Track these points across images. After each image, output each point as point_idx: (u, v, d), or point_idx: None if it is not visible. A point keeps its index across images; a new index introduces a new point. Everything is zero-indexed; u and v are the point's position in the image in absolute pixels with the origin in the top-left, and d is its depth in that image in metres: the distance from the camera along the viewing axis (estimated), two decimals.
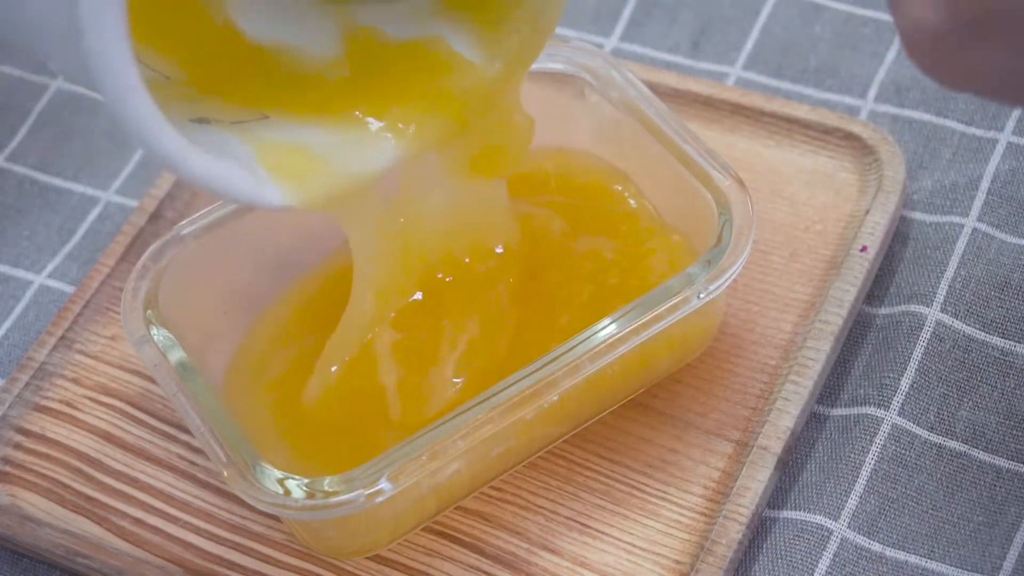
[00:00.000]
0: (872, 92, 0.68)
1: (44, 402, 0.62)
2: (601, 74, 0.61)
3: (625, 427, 0.59)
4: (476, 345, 0.57)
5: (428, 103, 0.53)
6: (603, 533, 0.57)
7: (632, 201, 0.61)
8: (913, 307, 0.61)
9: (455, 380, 0.57)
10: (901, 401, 0.59)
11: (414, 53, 0.54)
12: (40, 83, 0.74)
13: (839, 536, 0.56)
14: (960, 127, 0.66)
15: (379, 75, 0.54)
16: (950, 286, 0.61)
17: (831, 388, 0.60)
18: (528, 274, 0.59)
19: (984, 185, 0.64)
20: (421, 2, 0.54)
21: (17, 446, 0.61)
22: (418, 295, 0.57)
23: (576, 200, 0.61)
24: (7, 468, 0.60)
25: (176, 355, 0.55)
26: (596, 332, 0.54)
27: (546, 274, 0.59)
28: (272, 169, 0.50)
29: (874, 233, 0.62)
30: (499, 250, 0.58)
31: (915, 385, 0.59)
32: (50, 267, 0.68)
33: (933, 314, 0.60)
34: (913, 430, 0.58)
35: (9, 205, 0.70)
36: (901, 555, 0.56)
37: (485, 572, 0.57)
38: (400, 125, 0.53)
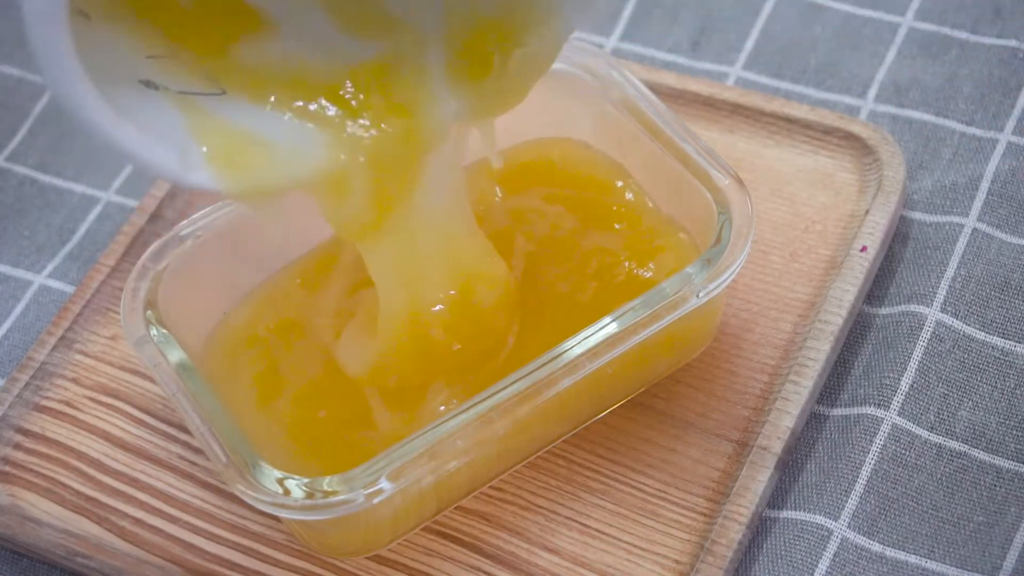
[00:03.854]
0: (872, 92, 0.68)
1: (44, 402, 0.62)
2: (601, 74, 0.61)
3: (625, 427, 0.59)
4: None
5: (391, 122, 0.52)
6: (603, 533, 0.57)
7: (634, 197, 0.61)
8: (913, 307, 0.61)
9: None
10: (901, 401, 0.59)
11: (390, 69, 0.53)
12: (40, 83, 0.74)
13: (839, 536, 0.56)
14: (960, 127, 0.66)
15: (351, 78, 0.53)
16: (950, 286, 0.61)
17: (831, 388, 0.60)
18: (535, 270, 0.59)
19: (984, 185, 0.64)
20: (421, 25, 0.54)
21: (17, 446, 0.61)
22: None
23: (581, 193, 0.61)
24: (7, 468, 0.60)
25: (176, 355, 0.55)
26: (595, 331, 0.54)
27: (553, 270, 0.59)
28: (209, 151, 0.49)
29: (874, 233, 0.62)
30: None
31: (915, 385, 0.59)
32: (50, 267, 0.68)
33: (933, 314, 0.60)
34: (913, 430, 0.58)
35: (9, 205, 0.70)
36: (901, 555, 0.56)
37: (485, 572, 0.57)
38: (359, 134, 0.52)
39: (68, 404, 0.62)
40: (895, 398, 0.59)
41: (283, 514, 0.52)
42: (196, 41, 0.51)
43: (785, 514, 0.57)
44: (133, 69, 0.49)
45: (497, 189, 0.62)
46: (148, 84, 0.49)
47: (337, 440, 0.57)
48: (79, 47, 0.45)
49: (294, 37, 0.52)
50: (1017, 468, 0.57)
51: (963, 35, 0.69)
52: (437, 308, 0.57)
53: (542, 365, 0.54)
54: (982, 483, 0.57)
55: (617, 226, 0.60)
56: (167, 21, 0.50)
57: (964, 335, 0.60)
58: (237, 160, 0.50)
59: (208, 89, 0.50)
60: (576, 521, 0.57)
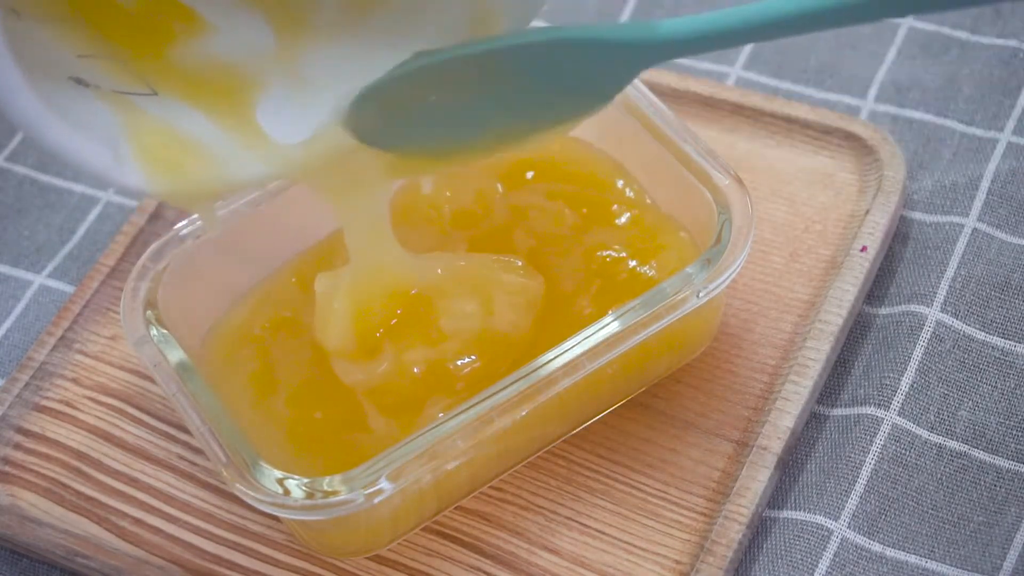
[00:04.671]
0: (872, 92, 0.68)
1: (44, 402, 0.62)
2: None
3: (625, 427, 0.59)
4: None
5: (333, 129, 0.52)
6: (603, 533, 0.57)
7: (634, 195, 0.61)
8: (913, 307, 0.61)
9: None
10: (901, 401, 0.59)
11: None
12: None
13: (839, 536, 0.56)
14: (960, 127, 0.66)
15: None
16: (950, 286, 0.61)
17: (831, 388, 0.60)
18: (536, 266, 0.59)
19: (984, 185, 0.64)
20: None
21: (17, 446, 0.61)
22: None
23: (582, 190, 0.61)
24: (7, 468, 0.60)
25: (176, 355, 0.55)
26: (595, 331, 0.54)
27: (554, 267, 0.59)
28: (141, 151, 0.48)
29: (874, 233, 0.62)
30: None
31: (915, 385, 0.59)
32: (50, 267, 0.68)
33: (933, 314, 0.60)
34: (913, 430, 0.58)
35: (9, 205, 0.70)
36: (901, 555, 0.56)
37: (485, 572, 0.57)
38: (295, 141, 0.51)
39: (68, 404, 0.62)
40: (895, 398, 0.59)
41: (283, 514, 0.52)
42: (132, 40, 0.50)
43: (785, 514, 0.57)
44: (65, 67, 0.49)
45: (499, 186, 0.62)
46: (79, 82, 0.49)
47: (335, 440, 0.56)
48: (10, 42, 0.45)
49: (231, 40, 0.52)
50: (1017, 468, 0.57)
51: (963, 35, 0.69)
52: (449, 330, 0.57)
53: (542, 365, 0.54)
54: (982, 483, 0.57)
55: (618, 223, 0.60)
56: (102, 19, 0.50)
57: (964, 335, 0.60)
58: (170, 161, 0.49)
59: (140, 89, 0.50)
60: (576, 521, 0.57)
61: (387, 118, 0.52)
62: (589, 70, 0.51)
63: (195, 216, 0.59)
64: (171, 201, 0.50)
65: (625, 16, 0.73)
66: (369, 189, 0.55)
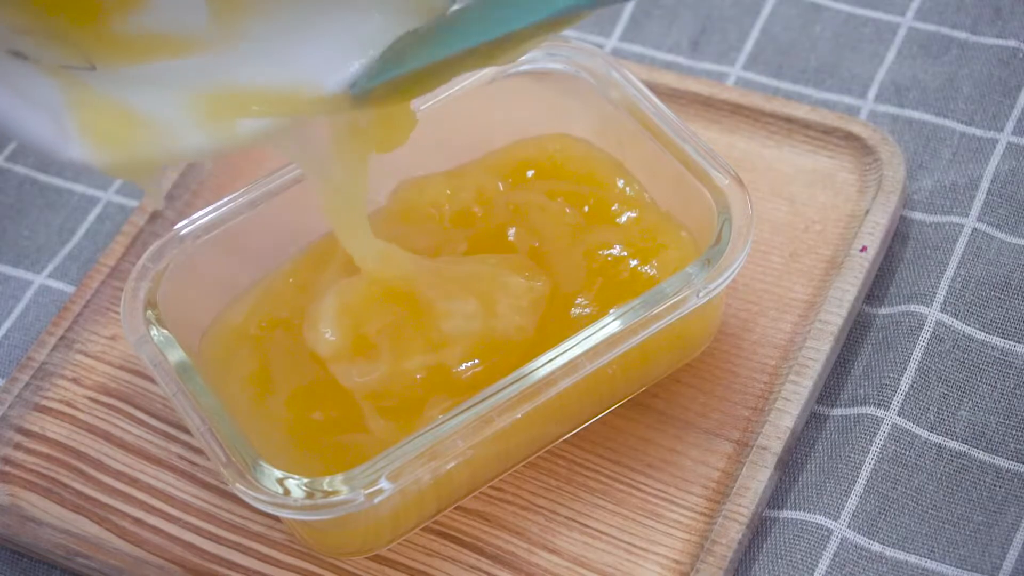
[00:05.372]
0: (872, 92, 0.68)
1: (44, 402, 0.62)
2: (601, 74, 0.61)
3: (625, 427, 0.59)
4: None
5: (273, 102, 0.51)
6: (603, 533, 0.57)
7: (635, 194, 0.61)
8: (913, 307, 0.61)
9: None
10: (901, 401, 0.59)
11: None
12: None
13: (839, 536, 0.56)
14: (960, 127, 0.66)
15: (235, 55, 0.52)
16: (950, 286, 0.61)
17: (831, 388, 0.60)
18: (538, 264, 0.59)
19: (984, 185, 0.64)
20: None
21: (17, 446, 0.61)
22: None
23: (582, 188, 0.61)
24: (7, 468, 0.60)
25: (176, 355, 0.55)
26: (595, 331, 0.54)
27: (556, 266, 0.59)
28: (85, 124, 0.47)
29: (874, 233, 0.62)
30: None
31: (915, 385, 0.59)
32: (50, 267, 0.68)
33: (933, 314, 0.60)
34: (913, 430, 0.58)
35: (9, 205, 0.70)
36: (901, 555, 0.56)
37: (485, 572, 0.57)
38: (249, 107, 0.50)
39: (68, 404, 0.62)
40: (895, 398, 0.59)
41: (283, 514, 0.52)
42: (67, 14, 0.50)
43: (785, 514, 0.57)
44: (3, 40, 0.48)
45: (500, 184, 0.62)
46: (18, 55, 0.48)
47: (334, 441, 0.56)
48: None
49: (164, 13, 0.51)
50: (1017, 468, 0.57)
51: (963, 35, 0.69)
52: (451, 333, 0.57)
53: (542, 365, 0.54)
54: (982, 483, 0.57)
55: (619, 222, 0.60)
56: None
57: (964, 335, 0.60)
58: (113, 134, 0.48)
59: (80, 63, 0.49)
60: (576, 521, 0.57)
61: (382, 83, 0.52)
62: None
63: (195, 216, 0.59)
64: (114, 174, 0.50)
65: (625, 16, 0.73)
66: (340, 157, 0.54)
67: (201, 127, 0.50)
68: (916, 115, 0.67)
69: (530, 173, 0.62)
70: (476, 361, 0.56)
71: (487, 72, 0.61)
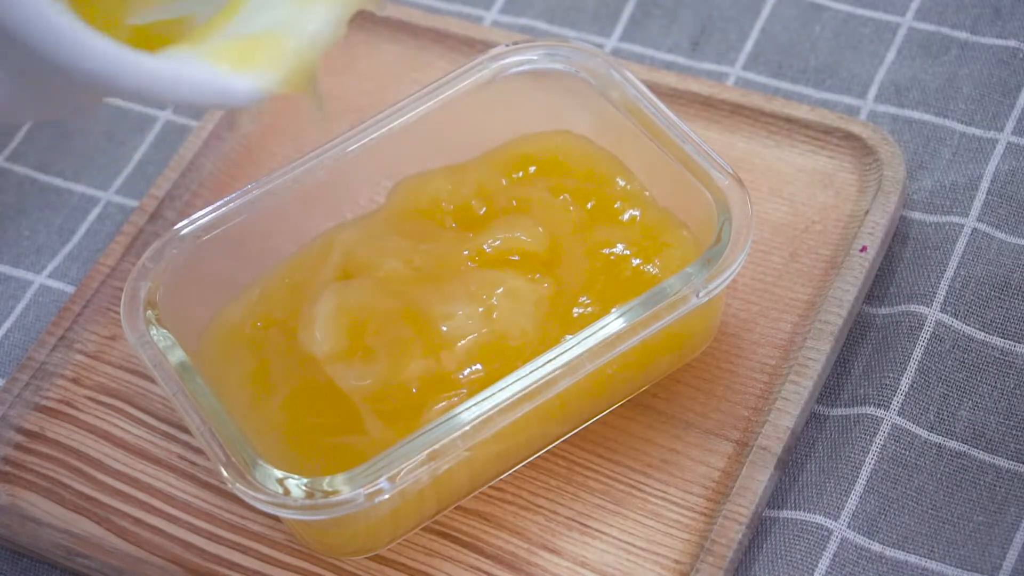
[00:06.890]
0: (872, 92, 0.68)
1: (44, 402, 0.62)
2: (601, 74, 0.61)
3: (625, 427, 0.59)
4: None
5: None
6: (603, 533, 0.57)
7: (636, 192, 0.61)
8: (913, 307, 0.61)
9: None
10: (901, 401, 0.59)
11: None
12: None
13: (839, 536, 0.56)
14: (960, 127, 0.66)
15: None
16: (950, 286, 0.61)
17: (831, 388, 0.60)
18: (542, 263, 0.59)
19: (984, 185, 0.64)
20: None
21: (17, 446, 0.61)
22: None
23: (584, 184, 0.61)
24: (7, 468, 0.60)
25: (176, 355, 0.55)
26: (595, 331, 0.54)
27: (559, 263, 0.59)
28: (234, 64, 0.47)
29: (874, 233, 0.62)
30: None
31: (915, 385, 0.59)
32: (50, 267, 0.68)
33: (933, 314, 0.60)
34: (913, 430, 0.58)
35: (9, 205, 0.70)
36: (901, 555, 0.56)
37: (485, 572, 0.57)
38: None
39: (68, 404, 0.62)
40: (895, 398, 0.59)
41: (283, 514, 0.52)
42: None
43: (785, 514, 0.57)
44: (114, 20, 0.48)
45: (502, 180, 0.61)
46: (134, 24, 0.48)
47: (333, 442, 0.56)
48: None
49: None
50: (1017, 468, 0.57)
51: (963, 35, 0.69)
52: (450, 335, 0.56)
53: (542, 365, 0.54)
54: (982, 483, 0.57)
55: (622, 220, 0.60)
56: None
57: (964, 335, 0.60)
58: (258, 58, 0.47)
59: (181, 11, 0.50)
60: (576, 521, 0.57)
61: None
62: None
63: (195, 216, 0.59)
64: (286, 89, 0.48)
65: (624, 16, 0.73)
66: None
67: (310, 9, 0.49)
68: (916, 115, 0.67)
69: (532, 168, 0.62)
70: (478, 367, 0.56)
71: (487, 72, 0.61)
